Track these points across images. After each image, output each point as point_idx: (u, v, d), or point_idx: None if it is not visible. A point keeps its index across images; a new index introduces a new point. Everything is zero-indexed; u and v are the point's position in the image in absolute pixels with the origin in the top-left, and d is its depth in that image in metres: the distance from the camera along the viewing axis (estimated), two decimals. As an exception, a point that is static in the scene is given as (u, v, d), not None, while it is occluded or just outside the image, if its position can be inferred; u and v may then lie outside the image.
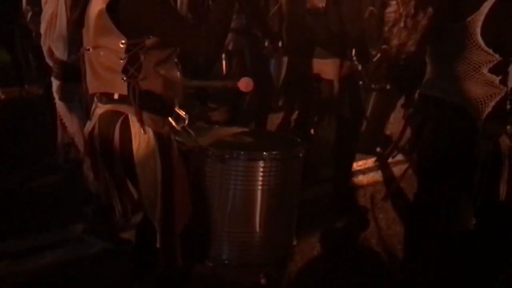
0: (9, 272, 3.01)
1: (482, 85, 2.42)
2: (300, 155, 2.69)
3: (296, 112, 4.07)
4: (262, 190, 2.57)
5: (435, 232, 3.05)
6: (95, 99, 2.27)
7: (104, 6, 2.08)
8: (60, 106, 3.12)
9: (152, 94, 2.17)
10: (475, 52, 2.38)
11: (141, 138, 2.17)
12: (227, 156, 2.50)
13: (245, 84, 2.66)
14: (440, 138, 2.57)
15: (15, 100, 6.25)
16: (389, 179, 4.45)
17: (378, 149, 4.77)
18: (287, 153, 2.64)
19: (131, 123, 2.17)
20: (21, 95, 6.37)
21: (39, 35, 3.13)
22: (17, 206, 3.75)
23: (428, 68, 2.66)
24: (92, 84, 2.27)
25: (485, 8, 2.33)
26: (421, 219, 2.84)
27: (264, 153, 2.56)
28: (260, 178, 2.55)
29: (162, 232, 2.25)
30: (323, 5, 3.38)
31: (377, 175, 4.55)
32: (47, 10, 3.00)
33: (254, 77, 4.05)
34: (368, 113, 4.38)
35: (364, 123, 4.06)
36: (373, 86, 4.28)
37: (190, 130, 2.38)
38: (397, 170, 4.50)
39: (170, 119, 2.27)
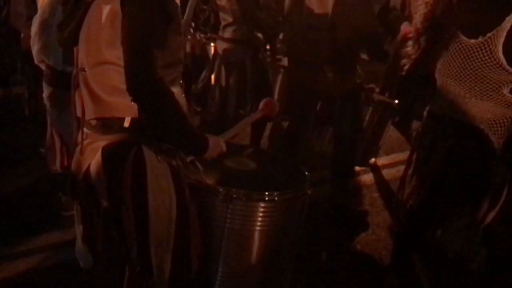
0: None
1: (502, 106, 2.30)
2: (308, 192, 2.42)
3: (288, 122, 3.95)
4: (261, 231, 2.34)
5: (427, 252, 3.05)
6: (89, 129, 1.99)
7: (116, 4, 1.82)
8: (51, 114, 2.94)
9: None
10: (495, 71, 2.24)
11: (157, 172, 1.94)
12: (234, 196, 2.26)
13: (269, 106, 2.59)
14: (452, 160, 2.43)
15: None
16: (379, 182, 4.41)
17: (372, 160, 4.68)
18: (291, 193, 2.36)
19: (145, 155, 1.93)
20: (5, 97, 6.20)
21: (29, 37, 2.96)
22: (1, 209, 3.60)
23: (438, 85, 2.52)
24: (90, 109, 1.97)
25: (508, 23, 2.19)
26: (415, 235, 2.73)
27: (266, 193, 2.30)
28: (260, 219, 2.32)
29: (176, 274, 2.04)
30: (329, 19, 3.27)
31: (365, 178, 4.48)
32: (40, 14, 2.83)
33: (256, 87, 4.02)
34: (364, 126, 4.28)
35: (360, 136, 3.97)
36: (390, 101, 4.15)
37: (199, 165, 2.18)
38: (386, 174, 4.51)
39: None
